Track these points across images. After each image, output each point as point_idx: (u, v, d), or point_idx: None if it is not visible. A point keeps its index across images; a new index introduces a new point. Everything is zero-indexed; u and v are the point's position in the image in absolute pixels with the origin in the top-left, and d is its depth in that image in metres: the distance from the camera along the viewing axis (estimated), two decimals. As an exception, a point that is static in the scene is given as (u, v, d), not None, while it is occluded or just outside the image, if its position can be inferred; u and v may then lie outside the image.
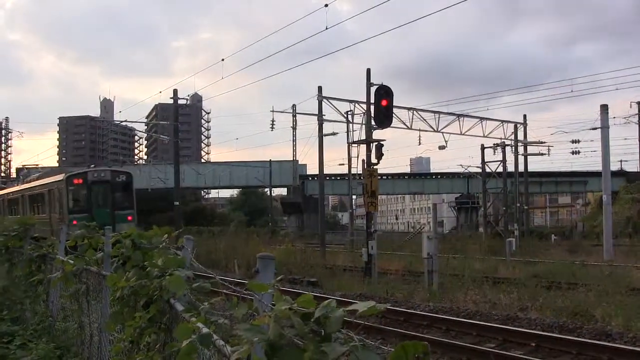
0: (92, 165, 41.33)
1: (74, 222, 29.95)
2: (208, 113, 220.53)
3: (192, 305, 4.19)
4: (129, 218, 36.43)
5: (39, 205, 41.24)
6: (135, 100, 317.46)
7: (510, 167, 63.61)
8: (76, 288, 8.73)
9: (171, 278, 4.40)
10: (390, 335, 15.95)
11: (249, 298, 3.10)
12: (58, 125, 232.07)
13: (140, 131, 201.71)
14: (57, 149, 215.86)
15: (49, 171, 52.89)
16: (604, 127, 43.44)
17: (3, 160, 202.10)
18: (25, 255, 12.73)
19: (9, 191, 52.35)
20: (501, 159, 62.86)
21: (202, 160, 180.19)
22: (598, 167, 48.98)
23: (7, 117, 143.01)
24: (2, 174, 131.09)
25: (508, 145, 60.88)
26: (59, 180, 37.76)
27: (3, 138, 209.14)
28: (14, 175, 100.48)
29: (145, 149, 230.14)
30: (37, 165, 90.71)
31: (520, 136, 60.64)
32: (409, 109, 45.64)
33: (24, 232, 13.63)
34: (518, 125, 59.63)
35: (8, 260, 13.81)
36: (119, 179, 38.13)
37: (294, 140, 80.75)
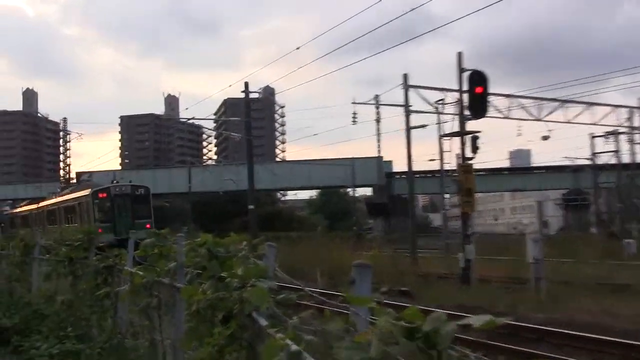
0: (115, 181, 49.88)
1: (99, 230, 37.66)
2: (282, 107, 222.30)
3: (277, 320, 4.17)
4: (147, 226, 42.46)
5: (72, 216, 50.36)
6: (202, 95, 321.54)
7: (626, 158, 62.21)
8: (147, 302, 8.82)
9: (253, 289, 4.40)
10: (496, 351, 15.70)
11: (341, 311, 3.05)
12: (119, 125, 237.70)
13: (208, 129, 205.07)
14: (119, 151, 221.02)
15: (79, 185, 64.06)
16: None
17: (62, 165, 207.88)
18: (90, 266, 12.95)
19: (48, 203, 61.66)
20: (614, 149, 61.50)
21: (277, 159, 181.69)
22: None
23: (64, 118, 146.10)
24: (62, 179, 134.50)
25: (622, 133, 59.49)
26: (86, 194, 47.31)
27: (61, 141, 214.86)
28: (74, 180, 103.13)
29: (215, 149, 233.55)
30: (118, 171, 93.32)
31: (637, 122, 59.18)
32: (506, 96, 45.27)
33: (88, 242, 13.82)
34: (634, 110, 58.18)
35: (72, 272, 14.04)
36: (138, 192, 46.84)
37: (378, 135, 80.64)
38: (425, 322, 2.30)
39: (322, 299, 5.00)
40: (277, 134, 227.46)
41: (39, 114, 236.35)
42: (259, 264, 5.13)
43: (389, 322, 2.35)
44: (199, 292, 5.46)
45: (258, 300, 4.27)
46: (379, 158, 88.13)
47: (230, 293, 4.88)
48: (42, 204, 65.32)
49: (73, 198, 51.84)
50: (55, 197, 61.42)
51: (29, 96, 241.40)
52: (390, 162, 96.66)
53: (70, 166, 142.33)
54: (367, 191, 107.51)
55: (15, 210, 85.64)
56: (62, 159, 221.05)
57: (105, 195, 46.16)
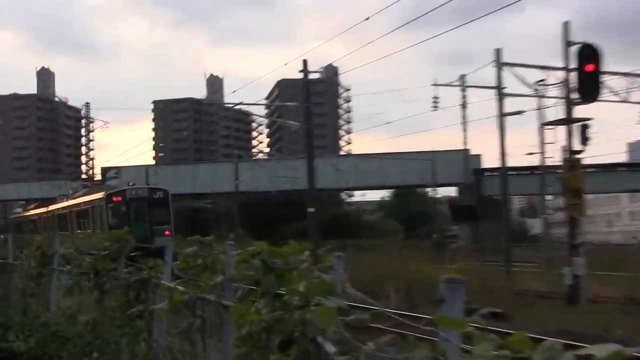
0: (131, 184, 53.37)
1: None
2: (347, 90, 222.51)
3: (347, 346, 4.17)
4: (167, 233, 47.24)
5: (84, 221, 54.68)
6: (251, 76, 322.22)
7: None
8: (188, 323, 8.89)
9: (318, 309, 4.40)
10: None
11: (426, 336, 3.04)
12: (152, 111, 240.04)
13: (259, 116, 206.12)
14: (153, 143, 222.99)
15: (92, 188, 69.91)
16: None
17: (84, 159, 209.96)
18: (120, 280, 13.05)
19: (59, 207, 66.40)
20: None
21: (342, 153, 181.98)
22: None
23: (87, 103, 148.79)
24: (84, 175, 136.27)
25: None
26: (99, 198, 51.04)
27: (83, 130, 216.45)
28: (98, 176, 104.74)
29: (267, 140, 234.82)
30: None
31: None
32: (624, 74, 44.56)
33: (117, 251, 13.89)
34: None
35: (98, 286, 14.12)
36: (156, 196, 50.92)
37: (464, 123, 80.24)
38: (536, 351, 2.28)
39: (400, 321, 4.99)
40: (342, 122, 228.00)
41: (56, 98, 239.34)
42: (325, 278, 5.12)
43: (489, 350, 2.34)
44: (252, 312, 5.50)
45: (324, 322, 4.27)
46: (465, 151, 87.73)
47: (290, 313, 4.90)
48: (52, 207, 69.57)
49: (85, 201, 55.81)
50: (67, 200, 65.35)
51: (45, 77, 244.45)
52: (478, 156, 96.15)
53: (94, 160, 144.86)
54: (451, 191, 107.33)
55: (23, 214, 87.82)
56: (84, 152, 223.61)
57: (120, 198, 49.70)
